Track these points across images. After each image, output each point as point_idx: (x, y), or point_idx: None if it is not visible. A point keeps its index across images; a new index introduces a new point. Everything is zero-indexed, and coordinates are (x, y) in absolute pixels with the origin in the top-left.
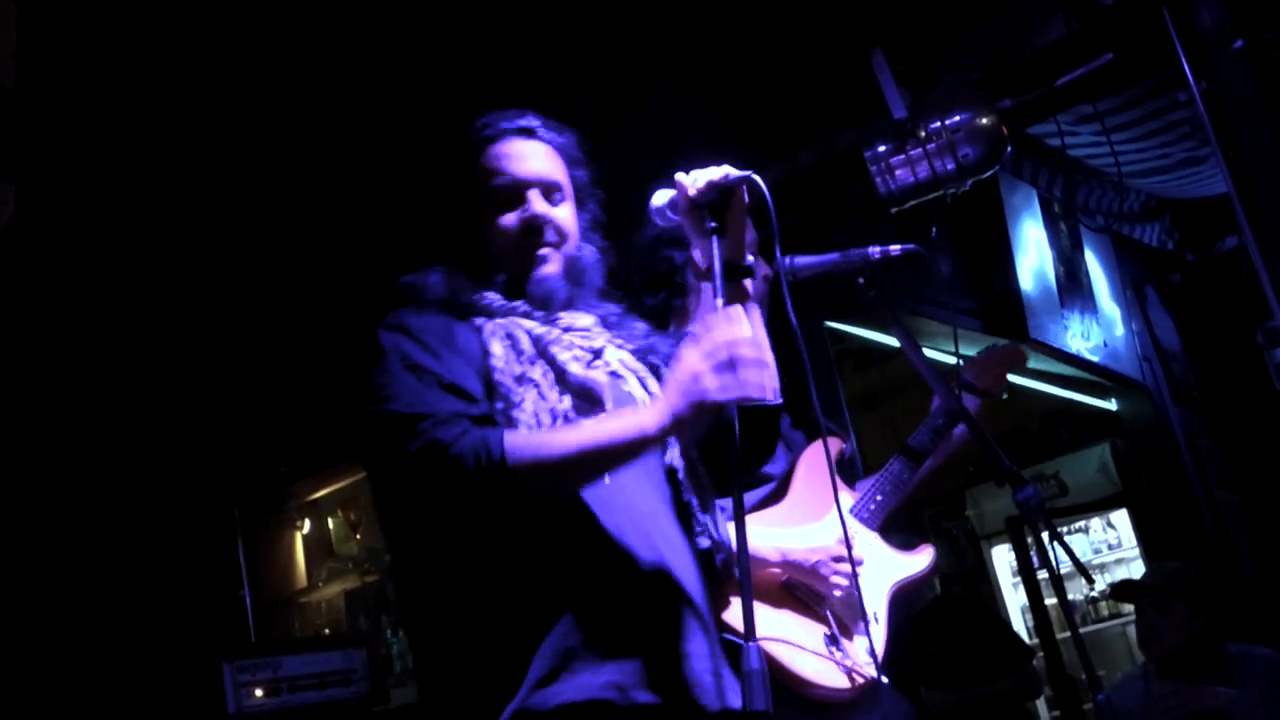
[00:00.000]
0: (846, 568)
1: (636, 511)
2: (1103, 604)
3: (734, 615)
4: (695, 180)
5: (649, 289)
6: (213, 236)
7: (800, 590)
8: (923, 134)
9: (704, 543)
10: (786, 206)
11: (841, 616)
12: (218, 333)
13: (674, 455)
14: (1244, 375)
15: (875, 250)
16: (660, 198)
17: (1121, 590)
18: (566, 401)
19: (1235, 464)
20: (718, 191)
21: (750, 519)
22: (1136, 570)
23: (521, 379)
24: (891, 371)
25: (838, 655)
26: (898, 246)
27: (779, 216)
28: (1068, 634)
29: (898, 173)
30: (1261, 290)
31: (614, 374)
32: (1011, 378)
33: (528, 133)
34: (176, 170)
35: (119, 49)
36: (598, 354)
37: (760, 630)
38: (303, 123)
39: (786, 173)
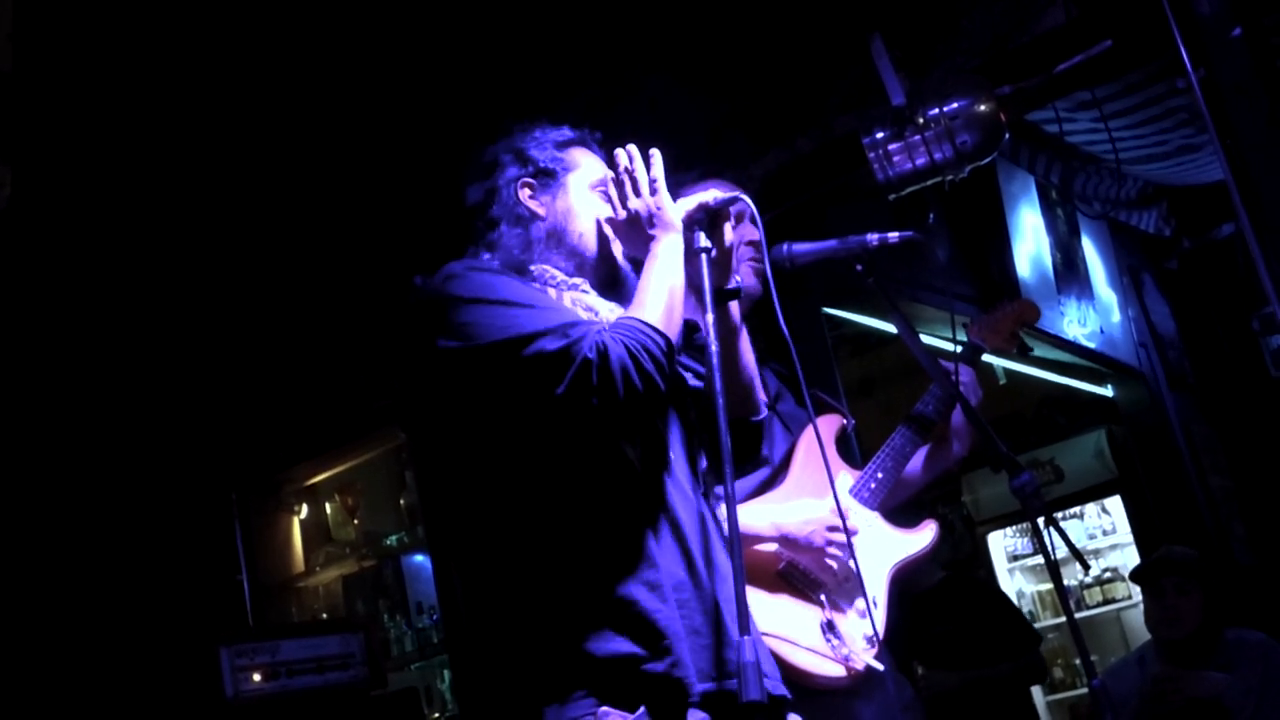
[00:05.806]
0: (841, 537)
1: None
2: (1095, 590)
3: None
4: (685, 205)
5: None
6: (210, 220)
7: (796, 577)
8: (921, 121)
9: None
10: (785, 191)
11: (838, 601)
12: (214, 317)
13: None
14: (1240, 362)
15: (874, 237)
16: None
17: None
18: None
19: (1230, 450)
20: (706, 212)
21: (748, 502)
22: (1131, 556)
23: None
24: (888, 357)
25: (834, 643)
26: (896, 234)
27: (778, 201)
28: (1062, 619)
29: (896, 159)
30: (1257, 277)
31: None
32: (1008, 364)
33: None
34: (173, 154)
35: (116, 31)
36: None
37: (755, 623)
38: (299, 109)
39: (785, 158)
